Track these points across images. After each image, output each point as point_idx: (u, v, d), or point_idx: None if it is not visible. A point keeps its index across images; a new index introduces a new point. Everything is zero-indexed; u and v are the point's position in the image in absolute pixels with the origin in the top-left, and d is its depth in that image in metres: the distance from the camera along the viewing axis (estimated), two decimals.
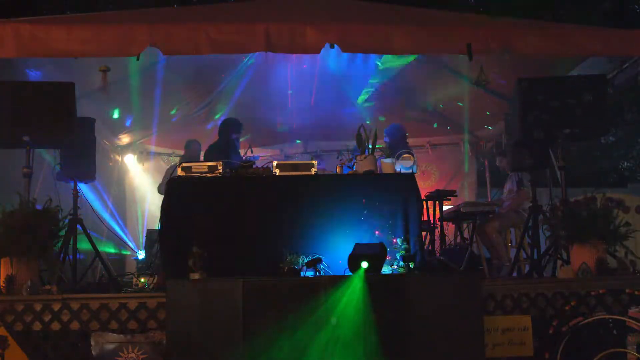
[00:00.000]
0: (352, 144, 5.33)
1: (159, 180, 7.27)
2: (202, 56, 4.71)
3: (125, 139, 8.01)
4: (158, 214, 4.56)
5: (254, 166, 4.77)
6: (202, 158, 6.70)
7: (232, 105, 7.33)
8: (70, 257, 4.82)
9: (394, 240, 4.41)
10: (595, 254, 4.19)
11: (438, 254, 5.78)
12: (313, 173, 4.69)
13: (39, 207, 4.17)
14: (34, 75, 5.17)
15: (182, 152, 8.51)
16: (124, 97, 6.43)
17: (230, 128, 6.32)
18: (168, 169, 7.14)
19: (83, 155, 5.03)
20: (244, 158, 5.96)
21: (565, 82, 4.81)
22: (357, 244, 4.04)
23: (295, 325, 3.39)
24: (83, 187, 5.29)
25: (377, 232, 4.44)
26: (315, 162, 4.77)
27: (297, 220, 4.48)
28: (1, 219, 3.96)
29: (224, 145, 6.16)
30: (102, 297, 3.82)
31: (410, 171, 4.76)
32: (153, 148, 8.42)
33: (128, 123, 7.54)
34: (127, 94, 6.37)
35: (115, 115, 7.14)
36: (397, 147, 5.63)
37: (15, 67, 4.95)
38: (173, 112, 7.48)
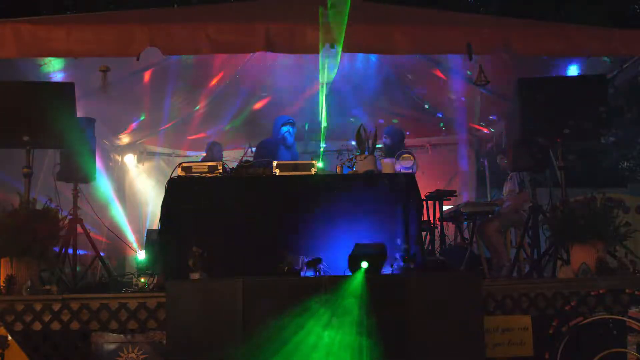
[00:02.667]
0: (352, 143, 5.31)
1: (159, 180, 7.26)
2: (201, 56, 4.70)
3: (125, 139, 8.00)
4: (158, 214, 4.57)
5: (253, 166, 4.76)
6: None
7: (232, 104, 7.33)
8: (71, 251, 4.82)
9: (394, 240, 4.41)
10: (595, 254, 4.18)
11: (438, 254, 5.78)
12: (313, 173, 4.68)
13: (39, 206, 4.17)
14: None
15: (182, 152, 8.49)
16: (126, 97, 6.42)
17: (278, 123, 6.16)
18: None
19: (83, 155, 5.03)
20: (244, 158, 5.88)
21: (565, 82, 4.81)
22: (357, 244, 4.03)
23: (295, 325, 3.39)
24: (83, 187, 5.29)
25: (377, 232, 4.43)
26: (315, 162, 4.76)
27: (297, 220, 4.47)
28: (1, 219, 3.96)
29: (273, 141, 6.07)
30: (102, 297, 3.81)
31: (410, 171, 4.75)
32: (153, 148, 8.42)
33: (134, 124, 7.55)
34: (130, 94, 6.36)
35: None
36: (395, 149, 5.62)
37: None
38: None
